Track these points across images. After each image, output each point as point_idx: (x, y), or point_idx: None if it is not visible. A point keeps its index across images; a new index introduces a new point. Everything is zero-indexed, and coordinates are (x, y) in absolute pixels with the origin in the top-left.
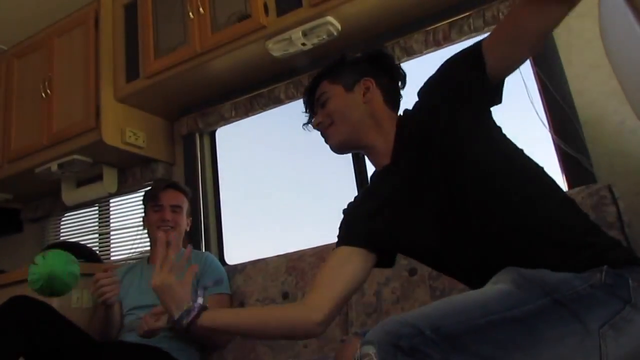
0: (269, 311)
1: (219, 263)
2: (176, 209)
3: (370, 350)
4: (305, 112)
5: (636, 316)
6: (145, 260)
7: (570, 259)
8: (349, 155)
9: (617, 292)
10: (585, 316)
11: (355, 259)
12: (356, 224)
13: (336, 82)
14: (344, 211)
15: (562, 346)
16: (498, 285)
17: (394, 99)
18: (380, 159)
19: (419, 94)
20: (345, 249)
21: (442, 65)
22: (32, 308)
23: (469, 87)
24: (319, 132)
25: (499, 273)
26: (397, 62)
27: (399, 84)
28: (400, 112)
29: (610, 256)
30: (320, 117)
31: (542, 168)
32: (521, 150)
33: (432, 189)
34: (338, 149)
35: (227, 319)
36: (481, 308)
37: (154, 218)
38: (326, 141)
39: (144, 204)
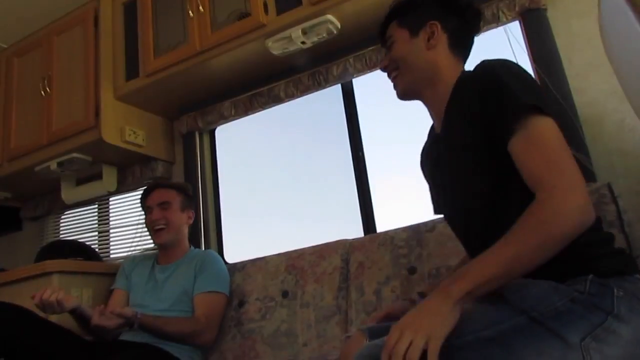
0: None
1: (220, 262)
2: (164, 205)
3: None
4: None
5: (619, 327)
6: (154, 259)
7: (558, 267)
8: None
9: (600, 303)
10: (565, 332)
11: None
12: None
13: (403, 25)
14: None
15: None
16: (475, 306)
17: (462, 43)
18: (435, 116)
19: (485, 75)
20: None
21: (500, 86)
22: (7, 311)
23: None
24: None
25: None
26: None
27: (471, 26)
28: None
29: (599, 266)
30: (386, 61)
31: None
32: None
33: (472, 174)
34: (401, 96)
35: None
36: (455, 330)
37: (147, 221)
38: (394, 87)
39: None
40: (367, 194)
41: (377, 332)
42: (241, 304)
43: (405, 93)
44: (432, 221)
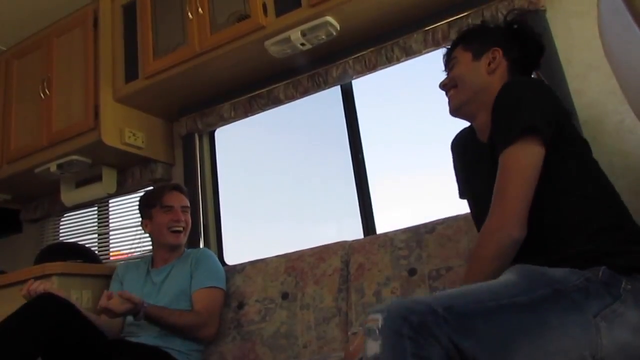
0: None
1: (214, 258)
2: (185, 209)
3: (378, 316)
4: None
5: (626, 310)
6: (149, 263)
7: (573, 259)
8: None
9: (609, 289)
10: (584, 305)
11: None
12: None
13: (468, 48)
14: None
15: (565, 336)
16: (505, 276)
17: (521, 72)
18: (480, 135)
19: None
20: None
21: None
22: (57, 305)
23: None
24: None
25: (506, 270)
26: (533, 36)
27: (533, 56)
28: None
29: (613, 261)
30: (446, 79)
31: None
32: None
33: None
34: (453, 112)
35: None
36: (491, 293)
37: (164, 220)
38: (448, 102)
39: (144, 207)
40: (366, 195)
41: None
42: (241, 305)
43: (457, 109)
44: (432, 222)
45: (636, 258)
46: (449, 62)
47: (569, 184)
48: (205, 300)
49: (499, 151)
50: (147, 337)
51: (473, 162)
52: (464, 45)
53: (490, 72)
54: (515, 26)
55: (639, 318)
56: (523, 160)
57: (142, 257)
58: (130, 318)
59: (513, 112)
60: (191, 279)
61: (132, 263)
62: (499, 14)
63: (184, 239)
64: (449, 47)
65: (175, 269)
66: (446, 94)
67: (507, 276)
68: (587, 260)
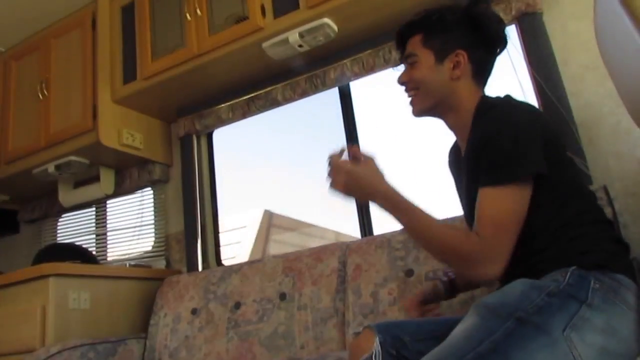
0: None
1: None
2: None
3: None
4: (397, 49)
5: (592, 315)
6: None
7: (542, 263)
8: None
9: (575, 293)
10: (548, 325)
11: None
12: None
13: (428, 45)
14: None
15: None
16: (465, 323)
17: (485, 72)
18: (457, 136)
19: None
20: None
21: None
22: None
23: None
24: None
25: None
26: (503, 29)
27: (496, 55)
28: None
29: (584, 259)
30: (405, 77)
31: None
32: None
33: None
34: (417, 115)
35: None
36: (454, 353)
37: None
38: (409, 103)
39: None
40: None
41: (386, 329)
42: (238, 305)
43: (421, 114)
44: None
45: (608, 258)
46: (408, 56)
47: (538, 188)
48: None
49: (488, 184)
50: None
51: (459, 176)
52: (425, 41)
53: (455, 78)
54: (484, 22)
55: (605, 320)
56: (499, 204)
57: None
58: None
59: (508, 150)
60: None
61: None
62: None
63: None
64: (405, 27)
65: None
66: (405, 91)
67: (467, 322)
68: (559, 259)
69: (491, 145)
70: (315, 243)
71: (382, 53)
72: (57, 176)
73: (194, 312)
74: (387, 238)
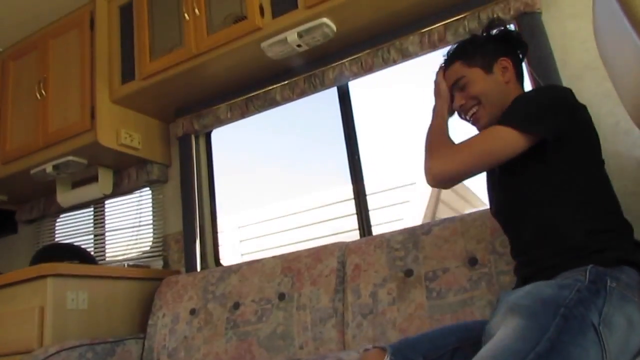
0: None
1: None
2: None
3: None
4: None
5: (614, 312)
6: None
7: (561, 260)
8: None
9: (598, 291)
10: (590, 320)
11: None
12: None
13: (472, 64)
14: None
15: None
16: (510, 325)
17: (522, 73)
18: None
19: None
20: None
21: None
22: None
23: None
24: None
25: (498, 309)
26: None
27: (524, 57)
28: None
29: (601, 257)
30: (462, 100)
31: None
32: None
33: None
34: (486, 127)
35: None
36: (513, 354)
37: None
38: (473, 122)
39: None
40: (363, 196)
41: (399, 350)
42: (237, 306)
43: (491, 124)
44: (428, 224)
45: (623, 254)
46: (457, 82)
47: (568, 184)
48: None
49: (497, 123)
50: None
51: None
52: (466, 62)
53: (507, 81)
54: (509, 32)
55: (623, 315)
56: (507, 143)
57: None
58: None
59: (525, 109)
60: None
61: None
62: (495, 17)
63: None
64: (444, 65)
65: None
66: (465, 114)
67: (513, 323)
68: (579, 256)
69: (520, 98)
70: None
71: (380, 53)
72: (55, 176)
73: (193, 312)
74: (386, 238)
